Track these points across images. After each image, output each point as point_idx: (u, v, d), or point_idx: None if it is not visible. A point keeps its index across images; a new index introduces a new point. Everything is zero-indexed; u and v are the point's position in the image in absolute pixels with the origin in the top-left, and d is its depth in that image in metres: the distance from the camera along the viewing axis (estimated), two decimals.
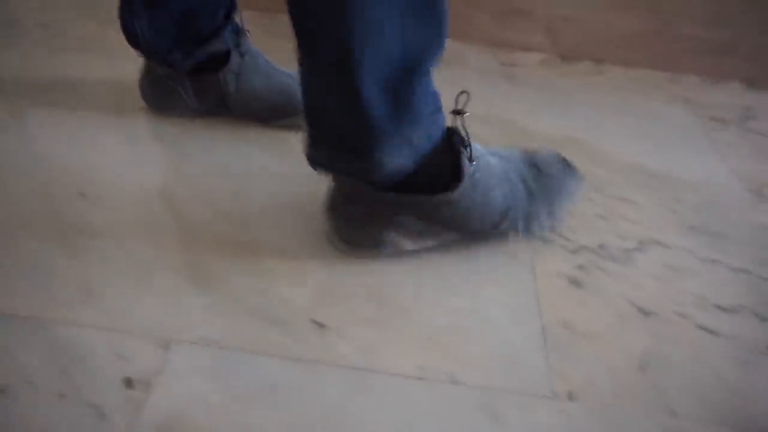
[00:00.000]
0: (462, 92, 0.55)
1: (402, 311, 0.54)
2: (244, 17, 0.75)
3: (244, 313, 0.53)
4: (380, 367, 0.49)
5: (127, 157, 0.71)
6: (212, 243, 0.60)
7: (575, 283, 0.59)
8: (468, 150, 0.56)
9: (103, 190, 0.66)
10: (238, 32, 0.75)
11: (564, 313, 0.55)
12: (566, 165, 0.64)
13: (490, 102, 0.90)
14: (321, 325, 0.52)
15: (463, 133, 0.56)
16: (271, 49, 0.77)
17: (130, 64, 0.77)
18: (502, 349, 0.51)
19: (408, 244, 0.58)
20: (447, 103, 0.58)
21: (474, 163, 0.56)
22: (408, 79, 0.51)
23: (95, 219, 0.62)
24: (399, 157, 0.54)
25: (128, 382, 0.46)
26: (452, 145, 0.57)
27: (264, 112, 0.77)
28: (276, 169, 0.71)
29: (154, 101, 0.79)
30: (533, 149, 0.65)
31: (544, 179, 0.61)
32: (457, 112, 0.56)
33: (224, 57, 0.74)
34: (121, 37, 0.72)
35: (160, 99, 0.78)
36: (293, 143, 0.74)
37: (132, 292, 0.54)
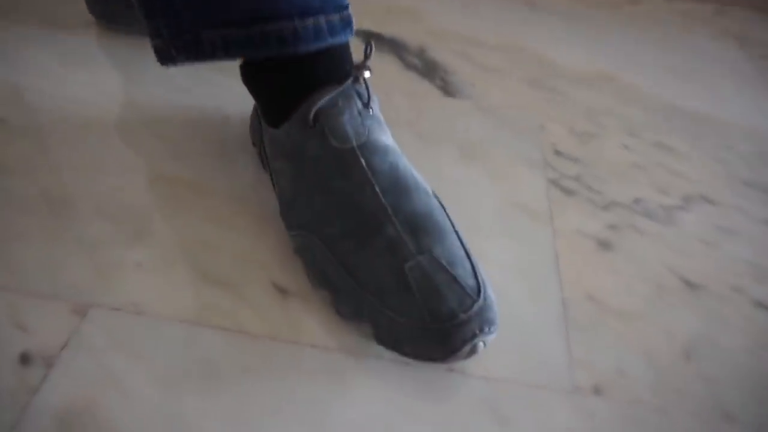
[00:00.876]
0: (368, 43, 0.40)
1: None
2: None
3: (186, 272, 0.42)
4: (357, 348, 0.38)
5: (65, 80, 0.59)
6: (156, 185, 0.48)
7: (604, 245, 0.48)
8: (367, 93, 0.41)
9: (27, 117, 0.54)
10: None
11: (590, 284, 0.44)
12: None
13: (506, 29, 0.76)
14: (283, 291, 0.41)
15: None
16: None
17: None
18: (512, 331, 0.40)
19: None
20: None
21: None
22: None
23: (11, 151, 0.50)
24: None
25: (24, 358, 0.36)
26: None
27: None
28: (242, 99, 0.58)
29: (104, 14, 0.65)
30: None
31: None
32: (360, 67, 0.41)
33: None
34: None
35: (112, 12, 0.65)
36: None
37: (45, 245, 0.43)
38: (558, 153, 0.56)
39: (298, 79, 0.42)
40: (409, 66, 0.67)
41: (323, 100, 0.40)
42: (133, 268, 0.42)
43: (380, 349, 0.38)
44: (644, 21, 0.83)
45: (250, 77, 0.45)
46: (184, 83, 0.59)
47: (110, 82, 0.59)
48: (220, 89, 0.59)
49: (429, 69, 0.67)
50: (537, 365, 0.39)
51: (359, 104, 0.41)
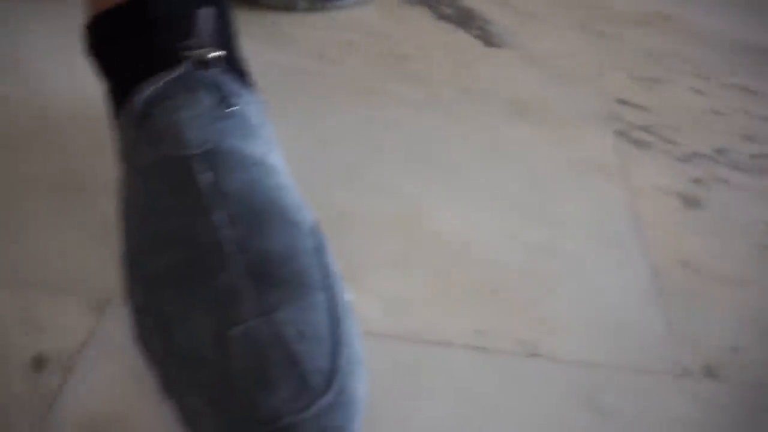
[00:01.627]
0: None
1: (444, 244, 0.37)
2: None
3: None
4: (420, 333, 0.33)
5: (65, 52, 0.53)
6: None
7: (692, 202, 0.41)
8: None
9: (31, 92, 0.48)
10: None
11: (681, 247, 0.38)
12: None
13: None
14: None
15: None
16: None
17: None
18: (598, 304, 0.35)
19: None
20: None
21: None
22: None
23: (15, 128, 0.45)
24: None
25: (38, 363, 0.31)
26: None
27: None
28: (268, 58, 0.52)
29: None
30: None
31: None
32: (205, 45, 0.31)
33: None
34: None
35: None
36: (286, 27, 0.55)
37: (55, 232, 0.37)
38: (622, 102, 0.50)
39: (141, 53, 0.31)
40: (442, 16, 0.60)
41: (151, 89, 0.30)
42: None
43: (447, 334, 0.33)
44: None
45: (94, 43, 0.35)
46: None
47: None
48: None
49: (464, 18, 0.60)
50: (634, 345, 0.33)
51: (208, 99, 0.30)
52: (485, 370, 0.31)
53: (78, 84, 0.49)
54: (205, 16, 0.32)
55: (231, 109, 0.31)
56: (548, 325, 0.33)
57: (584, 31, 0.59)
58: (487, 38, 0.57)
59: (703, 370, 0.32)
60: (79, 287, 0.34)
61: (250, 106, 0.32)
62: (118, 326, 0.32)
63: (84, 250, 0.36)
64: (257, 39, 0.54)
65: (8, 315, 0.33)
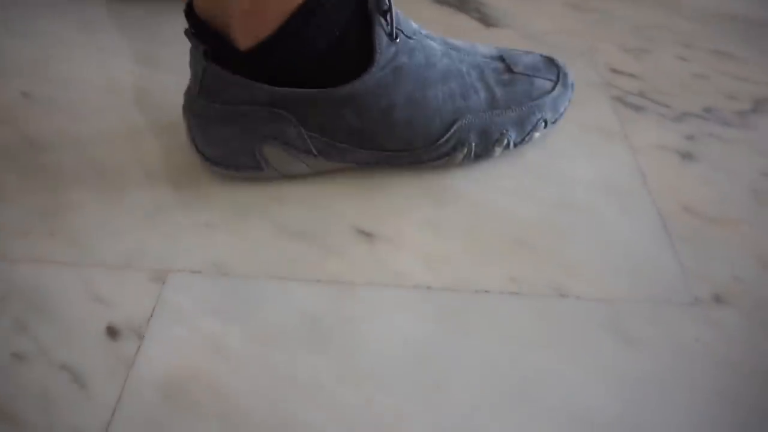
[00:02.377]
0: None
1: (471, 206, 0.41)
2: None
3: (262, 228, 0.39)
4: (458, 283, 0.36)
5: (85, 48, 0.55)
6: None
7: (687, 156, 0.45)
8: (388, 20, 0.37)
9: (53, 89, 0.50)
10: None
11: (683, 196, 0.42)
12: (552, 67, 0.44)
13: None
14: (368, 235, 0.39)
15: None
16: None
17: None
18: (615, 248, 0.38)
19: (294, 166, 0.40)
20: None
21: (398, 41, 0.37)
22: None
23: (44, 126, 0.46)
24: None
25: (112, 332, 0.33)
26: (363, 10, 0.37)
27: None
28: None
29: None
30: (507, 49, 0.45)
31: (517, 83, 0.42)
32: None
33: None
34: None
35: None
36: None
37: (105, 215, 0.40)
38: (615, 71, 0.54)
39: None
40: (441, 1, 0.63)
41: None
42: (203, 229, 0.39)
43: (484, 283, 0.36)
44: None
45: None
46: None
47: (128, 47, 0.55)
48: None
49: (462, 2, 0.63)
50: (651, 281, 0.36)
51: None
52: (521, 312, 0.35)
53: (97, 76, 0.51)
54: None
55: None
56: (573, 269, 0.37)
57: (577, 9, 0.62)
58: (486, 20, 0.60)
59: (712, 297, 0.36)
60: (137, 262, 0.36)
61: None
62: (182, 294, 0.35)
63: (136, 230, 0.39)
64: None
65: (78, 292, 0.35)
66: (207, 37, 0.37)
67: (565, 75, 0.44)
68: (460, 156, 0.41)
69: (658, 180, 0.43)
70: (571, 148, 0.45)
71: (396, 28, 0.37)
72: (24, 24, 0.58)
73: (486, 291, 0.36)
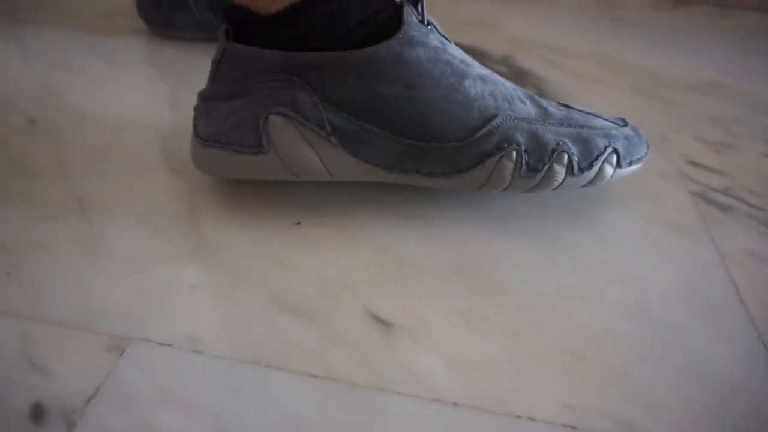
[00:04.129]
0: None
1: (518, 301, 0.32)
2: None
3: (255, 298, 0.32)
4: (493, 403, 0.27)
5: (108, 83, 0.51)
6: (211, 192, 0.39)
7: None
8: (419, 10, 0.35)
9: (62, 119, 0.46)
10: None
11: None
12: (619, 120, 0.39)
13: (592, 39, 0.68)
14: (385, 324, 0.31)
15: None
16: None
17: None
18: (701, 377, 0.29)
19: (302, 151, 0.34)
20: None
21: (429, 28, 0.35)
22: None
23: (40, 153, 0.42)
24: None
25: (38, 412, 0.25)
26: None
27: None
28: None
29: (156, 20, 0.59)
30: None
31: (575, 112, 0.37)
32: None
33: None
34: None
35: (165, 17, 0.58)
36: None
37: (75, 260, 0.33)
38: (693, 164, 0.46)
39: None
40: (494, 72, 0.58)
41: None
42: (186, 292, 0.32)
43: (529, 406, 0.27)
44: (739, 32, 0.74)
45: None
46: None
47: (155, 86, 0.51)
48: None
49: (518, 76, 0.58)
50: (747, 426, 0.27)
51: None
52: None
53: (111, 111, 0.47)
54: None
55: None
56: (645, 399, 0.28)
57: (641, 95, 0.56)
58: (544, 95, 0.54)
59: None
60: (97, 323, 0.29)
61: None
62: (139, 371, 0.27)
63: (106, 284, 0.32)
64: None
65: (12, 352, 0.28)
66: (235, 14, 0.35)
67: (637, 128, 0.39)
68: (508, 165, 0.34)
69: (757, 296, 0.34)
70: (646, 247, 0.37)
71: (428, 21, 0.35)
72: (53, 54, 0.55)
73: (531, 419, 0.27)
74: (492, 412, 0.27)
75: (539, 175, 0.35)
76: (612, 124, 0.37)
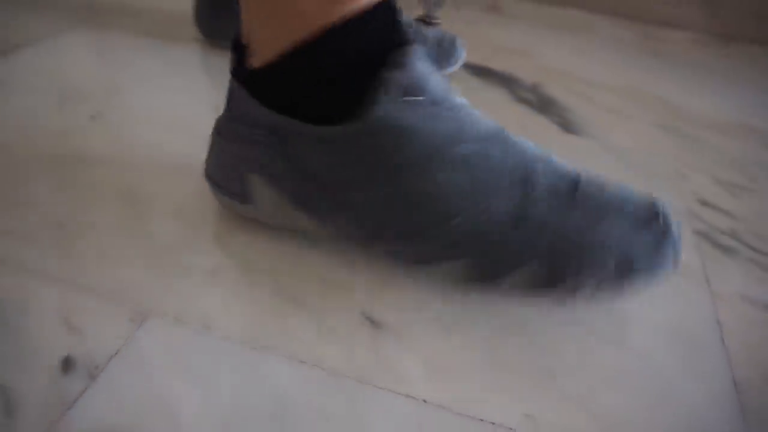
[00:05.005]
0: None
1: (498, 316, 0.35)
2: None
3: (265, 290, 0.35)
4: (459, 405, 0.30)
5: (164, 86, 0.57)
6: None
7: None
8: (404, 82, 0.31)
9: (119, 116, 0.51)
10: None
11: (766, 364, 0.34)
12: (656, 215, 0.32)
13: (625, 73, 0.69)
14: (376, 324, 0.34)
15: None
16: None
17: None
18: (669, 409, 0.31)
19: (281, 210, 0.35)
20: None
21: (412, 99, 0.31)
22: None
23: (101, 144, 0.47)
24: None
25: (66, 364, 0.30)
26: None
27: None
28: None
29: (213, 31, 0.64)
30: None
31: (601, 209, 0.32)
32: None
33: None
34: None
35: (221, 29, 0.64)
36: None
37: (114, 239, 0.38)
38: (704, 203, 0.47)
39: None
40: (521, 100, 0.60)
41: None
42: (204, 277, 0.36)
43: (491, 413, 0.29)
44: None
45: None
46: None
47: (205, 92, 0.57)
48: None
49: (544, 104, 0.60)
50: None
51: None
52: None
53: (163, 111, 0.52)
54: None
55: None
56: (609, 421, 0.30)
57: (666, 131, 0.57)
58: (566, 125, 0.56)
59: None
60: (125, 295, 0.34)
61: None
62: (155, 341, 0.31)
63: (139, 259, 0.36)
64: None
65: (50, 311, 0.32)
66: (240, 51, 0.35)
67: (669, 219, 0.32)
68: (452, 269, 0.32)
69: (739, 339, 0.35)
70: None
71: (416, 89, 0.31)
72: (121, 56, 0.61)
73: (492, 423, 0.29)
74: (457, 413, 0.29)
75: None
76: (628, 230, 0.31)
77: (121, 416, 0.28)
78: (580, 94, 0.63)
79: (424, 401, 0.30)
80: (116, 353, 0.31)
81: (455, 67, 0.62)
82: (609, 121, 0.58)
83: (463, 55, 0.62)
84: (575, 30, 0.81)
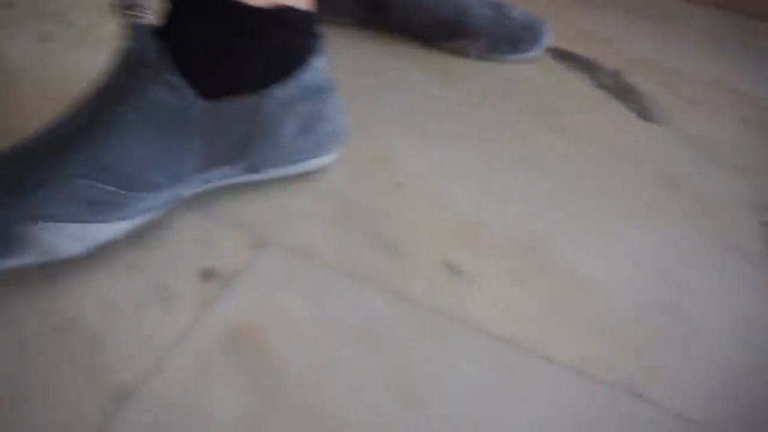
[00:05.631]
0: None
1: (566, 274, 0.39)
2: None
3: (362, 232, 0.41)
4: (523, 341, 0.35)
5: None
6: (349, 160, 0.49)
7: None
8: None
9: None
10: None
11: None
12: None
13: (714, 65, 0.70)
14: (454, 270, 0.39)
15: None
16: None
17: None
18: (715, 368, 0.34)
19: None
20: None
21: None
22: None
23: None
24: None
25: (206, 274, 0.37)
26: None
27: (428, 28, 0.65)
28: (437, 92, 0.58)
29: None
30: None
31: None
32: None
33: None
34: None
35: None
36: (456, 69, 0.61)
37: (247, 186, 0.45)
38: None
39: None
40: (601, 85, 0.63)
41: None
42: (311, 216, 0.42)
43: (550, 351, 0.34)
44: None
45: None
46: (372, 74, 0.61)
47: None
48: (400, 78, 0.60)
49: (623, 91, 0.62)
50: (742, 417, 0.32)
51: None
52: (580, 394, 0.32)
53: None
54: None
55: None
56: (658, 372, 0.34)
57: (750, 126, 0.58)
58: (643, 113, 0.59)
59: None
60: (247, 225, 0.41)
61: None
62: (272, 263, 0.38)
63: (259, 200, 0.43)
64: (430, 75, 0.60)
65: (191, 233, 0.40)
66: None
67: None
68: None
69: None
70: (702, 260, 0.42)
71: None
72: None
73: (548, 358, 0.34)
74: (518, 346, 0.34)
75: None
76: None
77: (248, 319, 0.35)
78: (662, 83, 0.64)
79: (489, 334, 0.35)
80: (243, 269, 0.38)
81: (539, 51, 0.65)
82: (690, 111, 0.60)
83: (548, 40, 0.65)
84: (665, 18, 0.81)
